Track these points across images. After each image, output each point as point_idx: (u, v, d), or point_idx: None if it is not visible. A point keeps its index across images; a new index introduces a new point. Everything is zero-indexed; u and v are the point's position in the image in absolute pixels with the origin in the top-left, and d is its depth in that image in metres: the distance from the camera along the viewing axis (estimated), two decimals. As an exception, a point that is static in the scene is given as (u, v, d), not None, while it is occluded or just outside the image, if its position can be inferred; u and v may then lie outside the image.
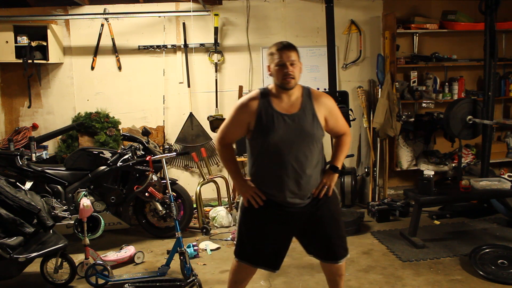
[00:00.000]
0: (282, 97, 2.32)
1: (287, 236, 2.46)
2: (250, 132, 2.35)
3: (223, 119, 5.08)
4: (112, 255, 3.73)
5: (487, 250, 3.47)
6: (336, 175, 2.46)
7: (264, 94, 2.34)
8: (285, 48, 2.27)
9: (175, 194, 4.10)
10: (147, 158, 3.61)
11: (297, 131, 2.28)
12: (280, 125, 2.27)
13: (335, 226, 2.46)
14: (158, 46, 5.10)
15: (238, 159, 4.99)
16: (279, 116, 2.28)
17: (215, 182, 4.81)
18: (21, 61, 4.72)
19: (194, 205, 4.53)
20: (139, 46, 5.10)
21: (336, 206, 2.50)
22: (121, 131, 5.07)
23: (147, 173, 3.61)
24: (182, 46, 5.12)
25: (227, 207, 4.83)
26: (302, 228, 2.44)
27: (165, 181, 3.48)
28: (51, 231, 3.35)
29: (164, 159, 3.52)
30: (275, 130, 2.26)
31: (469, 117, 4.48)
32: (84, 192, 3.97)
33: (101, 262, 3.32)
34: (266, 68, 2.37)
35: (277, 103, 2.31)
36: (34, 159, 4.31)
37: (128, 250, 3.80)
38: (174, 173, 5.27)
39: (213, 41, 5.09)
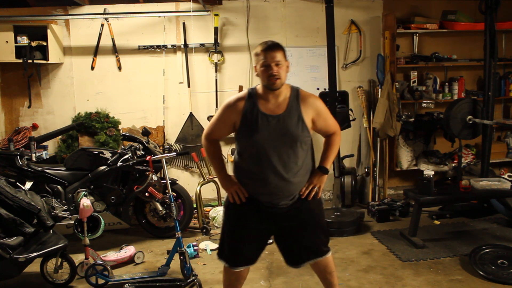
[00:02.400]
0: (268, 97, 2.32)
1: (266, 235, 2.48)
2: (235, 131, 2.37)
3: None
4: (112, 255, 3.73)
5: (487, 250, 3.47)
6: (325, 176, 2.46)
7: (252, 94, 2.35)
8: (269, 48, 2.27)
9: (175, 194, 4.10)
10: (147, 158, 3.61)
11: (281, 132, 2.28)
12: (264, 126, 2.28)
13: (317, 228, 2.46)
14: (158, 46, 5.10)
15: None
16: (264, 116, 2.29)
17: (215, 182, 4.82)
18: (21, 61, 4.72)
19: (194, 205, 4.53)
20: (139, 46, 5.10)
21: (319, 209, 2.50)
22: (121, 131, 5.07)
23: (147, 173, 3.61)
24: (182, 46, 5.12)
25: (227, 207, 4.82)
26: (283, 229, 2.44)
27: (165, 181, 3.48)
28: (51, 231, 3.35)
29: (164, 159, 3.52)
30: (258, 131, 2.28)
31: (469, 117, 4.48)
32: (84, 192, 3.97)
33: (101, 262, 3.32)
34: (253, 68, 2.37)
35: (263, 104, 2.32)
36: (34, 159, 4.31)
37: (128, 250, 3.80)
38: (174, 173, 5.27)
39: (213, 41, 5.10)
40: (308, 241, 2.45)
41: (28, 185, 3.94)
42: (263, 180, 2.31)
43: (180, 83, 5.20)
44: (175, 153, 4.19)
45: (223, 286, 2.61)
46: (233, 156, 4.94)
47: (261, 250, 2.51)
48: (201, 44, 5.14)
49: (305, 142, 2.34)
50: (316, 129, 2.41)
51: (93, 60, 5.10)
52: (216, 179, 4.81)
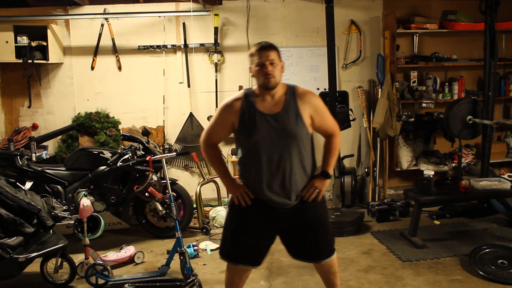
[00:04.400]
0: (265, 97, 2.33)
1: (271, 235, 2.47)
2: (235, 132, 2.37)
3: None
4: (112, 255, 3.73)
5: (487, 250, 3.47)
6: (328, 181, 2.45)
7: (248, 94, 2.35)
8: (263, 48, 2.28)
9: (175, 194, 4.10)
10: (147, 158, 3.62)
11: (279, 130, 2.28)
12: (262, 125, 2.28)
13: (321, 229, 2.45)
14: (158, 46, 5.10)
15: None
16: (262, 116, 2.29)
17: (215, 182, 4.82)
18: (21, 61, 4.72)
19: (194, 205, 4.53)
20: (139, 46, 5.10)
21: (323, 209, 2.49)
22: (121, 131, 5.07)
23: (147, 173, 3.61)
24: (182, 46, 5.12)
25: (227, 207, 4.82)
26: (287, 230, 2.44)
27: (165, 181, 3.48)
28: (51, 231, 3.35)
29: (164, 159, 3.52)
30: (257, 130, 2.28)
31: (469, 117, 4.48)
32: (84, 192, 3.97)
33: (101, 262, 3.32)
34: (248, 69, 2.39)
35: (260, 103, 2.32)
36: (34, 159, 4.31)
37: (128, 250, 3.80)
38: (174, 173, 5.27)
39: (213, 41, 5.10)
40: (314, 240, 2.43)
41: (28, 185, 3.94)
42: (264, 179, 2.31)
43: (180, 83, 5.20)
44: (175, 153, 4.19)
45: (227, 278, 2.59)
46: (233, 157, 4.98)
47: (266, 251, 2.49)
48: (201, 44, 5.14)
49: (305, 140, 2.34)
50: (315, 127, 2.40)
51: (93, 60, 5.10)
52: (216, 179, 4.83)
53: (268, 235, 2.46)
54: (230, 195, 2.48)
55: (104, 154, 4.19)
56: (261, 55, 2.27)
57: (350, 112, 4.89)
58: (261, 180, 2.32)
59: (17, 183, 3.64)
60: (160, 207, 3.91)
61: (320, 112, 2.38)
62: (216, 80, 5.16)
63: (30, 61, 4.73)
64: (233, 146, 5.14)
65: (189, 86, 5.15)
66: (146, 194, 3.45)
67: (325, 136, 2.49)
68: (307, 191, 2.38)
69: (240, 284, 2.59)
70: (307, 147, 2.37)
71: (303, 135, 2.31)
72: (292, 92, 2.35)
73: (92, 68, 5.12)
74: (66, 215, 3.93)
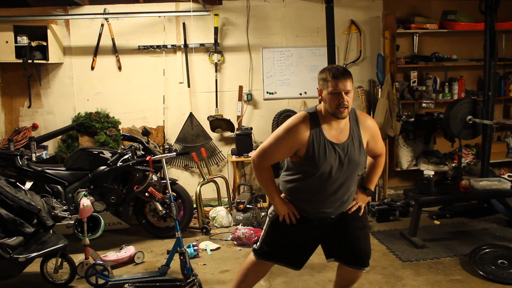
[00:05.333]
0: (332, 123, 2.24)
1: (315, 241, 2.47)
2: (297, 157, 2.26)
3: (223, 119, 5.13)
4: (112, 255, 3.73)
5: (487, 250, 3.46)
6: (369, 198, 2.49)
7: (314, 118, 2.23)
8: (341, 76, 2.15)
9: (175, 194, 4.10)
10: (147, 158, 3.61)
11: (346, 161, 2.25)
12: (331, 156, 2.22)
13: (363, 235, 2.45)
14: (158, 46, 5.10)
15: (238, 159, 5.02)
16: (331, 146, 2.22)
17: (215, 182, 4.82)
18: (21, 61, 4.72)
19: (194, 205, 4.53)
20: (139, 46, 5.10)
21: (362, 220, 2.48)
22: (121, 131, 5.06)
23: (147, 173, 3.61)
24: (182, 46, 5.12)
25: (227, 207, 4.83)
26: (331, 234, 2.43)
27: (165, 181, 3.48)
28: (51, 231, 3.34)
29: (164, 159, 3.52)
30: (326, 162, 2.21)
31: (469, 117, 4.48)
32: (84, 192, 3.97)
33: (101, 262, 3.32)
34: (317, 92, 2.27)
35: (327, 130, 2.24)
36: (34, 159, 4.31)
37: (128, 250, 3.80)
38: (174, 173, 5.27)
39: (213, 41, 5.10)
40: (356, 245, 2.41)
41: (28, 185, 3.94)
42: (319, 203, 2.31)
43: (180, 83, 5.20)
44: (175, 153, 4.19)
45: (235, 282, 2.58)
46: (234, 157, 4.98)
47: (308, 256, 2.50)
48: (201, 44, 5.14)
49: (364, 166, 2.37)
50: (367, 150, 2.39)
51: (93, 60, 5.10)
52: (216, 179, 4.83)
53: (312, 241, 2.46)
54: (271, 208, 2.44)
55: (104, 154, 4.19)
56: (337, 84, 2.14)
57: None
58: (317, 201, 2.31)
59: (17, 183, 3.63)
60: (160, 207, 3.91)
61: (376, 137, 2.38)
62: (216, 80, 5.16)
63: (30, 61, 4.73)
64: (233, 146, 5.14)
65: (189, 86, 5.15)
66: (146, 194, 3.45)
67: (372, 156, 2.49)
68: (352, 206, 2.40)
69: (251, 285, 2.61)
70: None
71: (363, 162, 2.34)
72: (354, 118, 2.31)
73: (92, 68, 5.12)
74: (66, 215, 3.92)
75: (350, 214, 2.41)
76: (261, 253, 2.48)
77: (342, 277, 2.58)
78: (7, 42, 4.67)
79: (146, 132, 4.19)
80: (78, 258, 3.66)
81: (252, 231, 4.07)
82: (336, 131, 2.25)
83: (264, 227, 2.51)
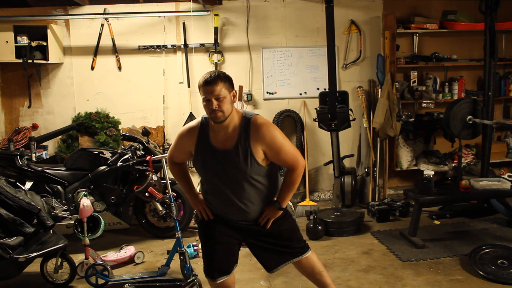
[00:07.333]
0: (218, 129, 2.27)
1: (236, 241, 2.47)
2: (192, 158, 2.39)
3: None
4: (112, 255, 3.73)
5: (487, 250, 3.47)
6: (279, 212, 2.41)
7: (204, 124, 2.32)
8: (207, 83, 2.18)
9: (175, 194, 4.10)
10: (147, 158, 3.61)
11: (229, 167, 2.26)
12: (214, 161, 2.28)
13: (285, 235, 2.46)
14: (158, 46, 5.10)
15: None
16: (213, 152, 2.27)
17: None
18: (21, 61, 4.72)
19: (194, 205, 4.52)
20: (139, 46, 5.10)
21: (282, 225, 2.45)
22: (121, 131, 5.06)
23: (147, 173, 3.61)
24: (182, 46, 5.12)
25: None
26: (250, 238, 2.46)
27: (165, 181, 3.48)
28: (51, 231, 3.35)
29: (164, 159, 3.52)
30: (208, 166, 2.30)
31: (469, 117, 4.48)
32: (84, 192, 3.97)
33: (101, 262, 3.32)
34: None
35: (213, 136, 2.29)
36: (34, 159, 4.31)
37: (128, 250, 3.81)
38: (174, 173, 5.27)
39: (213, 41, 5.10)
40: (278, 245, 2.45)
41: (28, 185, 3.94)
42: (222, 205, 2.37)
43: (180, 83, 5.20)
44: (175, 153, 4.19)
45: None
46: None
47: (234, 257, 2.48)
48: (201, 44, 5.14)
49: (259, 173, 2.29)
50: (273, 160, 2.32)
51: (93, 60, 5.10)
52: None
53: (233, 240, 2.46)
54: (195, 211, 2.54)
55: (104, 154, 4.19)
56: (205, 91, 2.18)
57: (350, 112, 4.89)
58: (218, 203, 2.39)
59: (17, 183, 3.64)
60: (160, 207, 3.91)
61: (274, 148, 2.25)
62: (216, 80, 5.15)
63: (30, 61, 4.73)
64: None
65: (189, 86, 5.15)
66: (146, 194, 3.45)
67: (286, 168, 2.41)
68: (261, 219, 2.39)
69: None
70: (265, 178, 2.34)
71: (254, 172, 2.27)
72: (246, 126, 2.25)
73: (92, 68, 5.12)
74: (66, 215, 3.92)
75: (263, 225, 2.40)
76: (204, 270, 2.48)
77: (305, 274, 2.61)
78: (7, 42, 4.67)
79: (146, 132, 4.19)
80: (78, 258, 3.66)
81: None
82: (222, 138, 2.28)
83: None
